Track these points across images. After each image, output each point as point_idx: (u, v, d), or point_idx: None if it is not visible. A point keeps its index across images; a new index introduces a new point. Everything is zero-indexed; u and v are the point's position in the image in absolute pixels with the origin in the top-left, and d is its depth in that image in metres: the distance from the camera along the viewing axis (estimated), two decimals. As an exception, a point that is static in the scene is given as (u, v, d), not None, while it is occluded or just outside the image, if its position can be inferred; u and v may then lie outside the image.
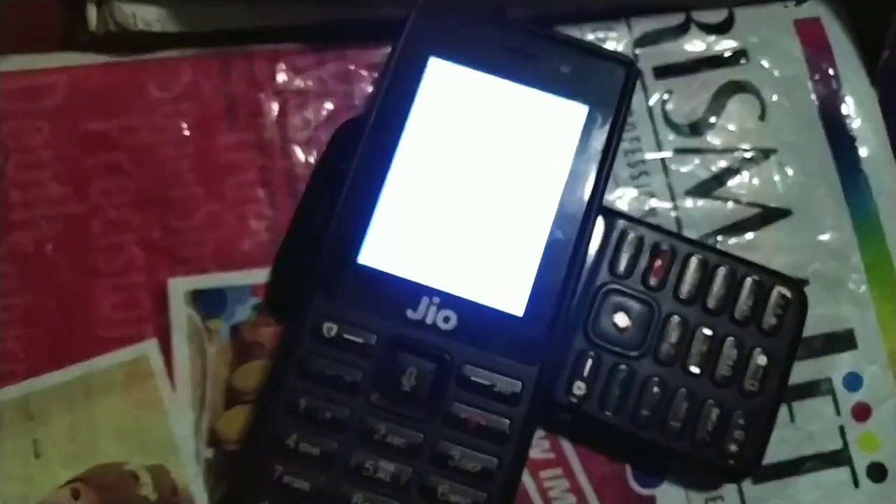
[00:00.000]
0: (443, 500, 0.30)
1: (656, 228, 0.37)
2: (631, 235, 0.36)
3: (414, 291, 0.31)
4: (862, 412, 0.40)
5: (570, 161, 0.33)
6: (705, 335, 0.36)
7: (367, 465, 0.30)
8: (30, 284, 0.37)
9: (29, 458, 0.36)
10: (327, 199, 0.35)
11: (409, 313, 0.31)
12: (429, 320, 0.31)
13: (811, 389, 0.40)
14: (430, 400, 0.31)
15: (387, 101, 0.33)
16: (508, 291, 0.32)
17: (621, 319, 0.36)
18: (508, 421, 0.31)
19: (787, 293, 0.36)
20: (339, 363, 0.31)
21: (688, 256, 0.36)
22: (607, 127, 0.33)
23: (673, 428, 0.35)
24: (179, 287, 0.38)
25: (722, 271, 0.36)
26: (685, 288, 0.36)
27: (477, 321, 0.31)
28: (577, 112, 0.33)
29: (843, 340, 0.40)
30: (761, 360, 0.36)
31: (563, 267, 0.32)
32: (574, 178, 0.33)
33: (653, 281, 0.36)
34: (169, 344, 0.37)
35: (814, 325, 0.39)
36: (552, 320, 0.32)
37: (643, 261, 0.36)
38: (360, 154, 0.32)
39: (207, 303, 0.38)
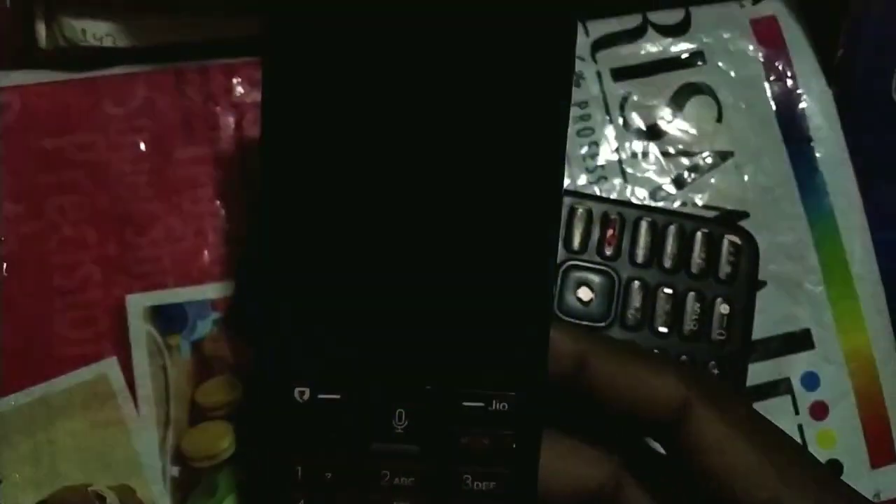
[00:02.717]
0: None
1: (602, 199, 0.38)
2: (580, 210, 0.37)
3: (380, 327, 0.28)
4: (820, 411, 0.40)
5: (526, 140, 0.27)
6: (667, 294, 0.37)
7: None
8: (-15, 305, 0.37)
9: (-10, 484, 0.36)
10: None
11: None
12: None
13: (771, 389, 0.40)
14: (427, 434, 0.29)
15: (276, 105, 0.28)
16: (485, 299, 0.28)
17: (584, 293, 0.37)
18: (512, 433, 0.29)
19: (737, 240, 0.37)
20: (322, 424, 0.28)
21: (637, 221, 0.37)
22: (557, 98, 0.27)
23: None
24: (138, 303, 0.37)
25: (672, 230, 0.37)
26: (640, 252, 0.37)
27: (457, 342, 0.29)
28: (515, 87, 0.27)
29: (800, 340, 0.41)
30: (724, 308, 0.37)
31: (540, 264, 0.28)
32: (533, 161, 0.27)
33: (608, 251, 0.37)
34: (129, 362, 0.37)
35: (771, 326, 0.40)
36: (536, 321, 0.29)
37: (595, 233, 0.37)
38: (267, 189, 0.28)
39: (166, 318, 0.37)
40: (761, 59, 0.43)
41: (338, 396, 0.28)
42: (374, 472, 0.29)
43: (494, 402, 0.28)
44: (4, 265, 0.37)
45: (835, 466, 0.40)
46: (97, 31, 0.37)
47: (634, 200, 0.40)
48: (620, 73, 0.42)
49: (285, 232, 0.28)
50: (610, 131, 0.41)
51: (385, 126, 0.27)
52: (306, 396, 0.28)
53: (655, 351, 0.36)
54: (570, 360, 0.30)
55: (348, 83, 0.27)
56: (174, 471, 0.37)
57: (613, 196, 0.40)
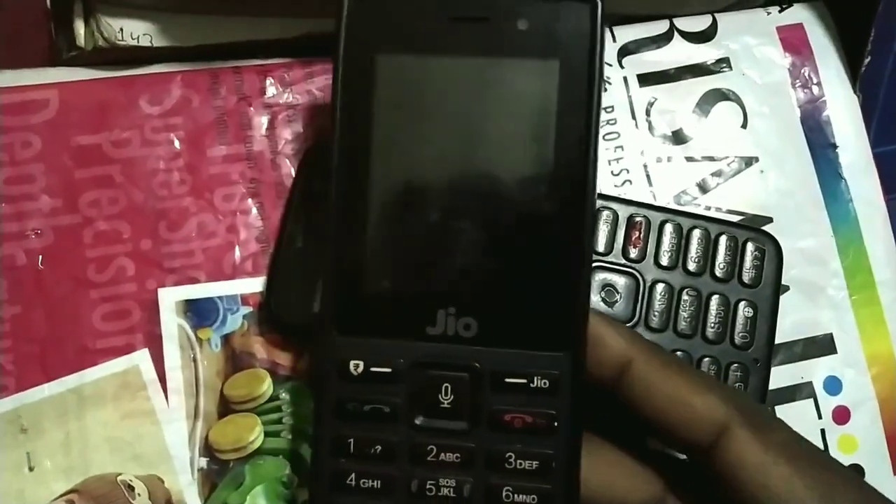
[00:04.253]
0: (509, 502, 0.30)
1: (627, 202, 0.38)
2: (605, 212, 0.38)
3: (428, 307, 0.30)
4: (842, 415, 0.40)
5: (555, 129, 0.30)
6: (691, 297, 0.37)
7: (429, 485, 0.30)
8: (20, 297, 0.38)
9: (23, 471, 0.36)
10: (305, 222, 0.37)
11: (429, 329, 0.30)
12: (450, 332, 0.30)
13: (793, 393, 0.40)
14: (471, 410, 0.30)
15: (344, 116, 0.30)
16: (524, 284, 0.30)
17: (609, 295, 0.37)
18: (554, 412, 0.29)
19: (762, 244, 0.38)
20: (374, 397, 0.30)
21: (662, 224, 0.38)
22: (586, 80, 0.30)
23: None
24: (170, 297, 0.38)
25: (696, 233, 0.38)
26: (664, 255, 0.38)
27: (498, 321, 0.30)
28: (548, 70, 0.30)
29: (822, 345, 0.41)
30: (747, 311, 0.37)
31: (572, 245, 0.30)
32: (566, 147, 0.30)
33: (633, 253, 0.37)
34: (160, 354, 0.38)
35: (794, 331, 0.40)
36: (575, 301, 0.30)
37: (620, 235, 0.38)
38: (335, 181, 0.30)
39: (198, 312, 0.38)
40: (787, 66, 0.43)
41: (389, 370, 0.30)
42: (422, 447, 0.30)
43: (536, 378, 0.30)
44: (41, 257, 0.38)
45: (856, 471, 0.40)
46: (135, 31, 0.38)
47: (659, 204, 0.41)
48: (646, 79, 0.42)
49: (348, 211, 0.30)
50: (635, 135, 0.42)
51: (445, 114, 0.30)
52: (360, 369, 0.30)
53: (678, 353, 0.37)
54: (615, 361, 0.30)
55: (408, 87, 0.30)
56: (202, 462, 0.37)
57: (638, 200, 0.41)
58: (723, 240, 0.38)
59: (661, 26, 0.43)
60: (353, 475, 0.30)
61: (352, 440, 0.30)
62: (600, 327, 0.30)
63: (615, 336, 0.30)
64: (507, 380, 0.30)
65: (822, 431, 0.40)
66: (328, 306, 0.30)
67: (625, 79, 0.42)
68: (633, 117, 0.42)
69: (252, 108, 0.40)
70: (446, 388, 0.30)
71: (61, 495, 0.36)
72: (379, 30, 0.30)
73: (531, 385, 0.30)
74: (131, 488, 0.36)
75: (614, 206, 0.38)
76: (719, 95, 0.42)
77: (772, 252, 0.38)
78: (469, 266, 0.30)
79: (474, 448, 0.30)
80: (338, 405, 0.30)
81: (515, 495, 0.29)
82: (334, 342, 0.30)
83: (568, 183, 0.30)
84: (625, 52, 0.42)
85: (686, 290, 0.37)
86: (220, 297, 0.38)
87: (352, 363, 0.30)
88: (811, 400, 0.40)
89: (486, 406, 0.30)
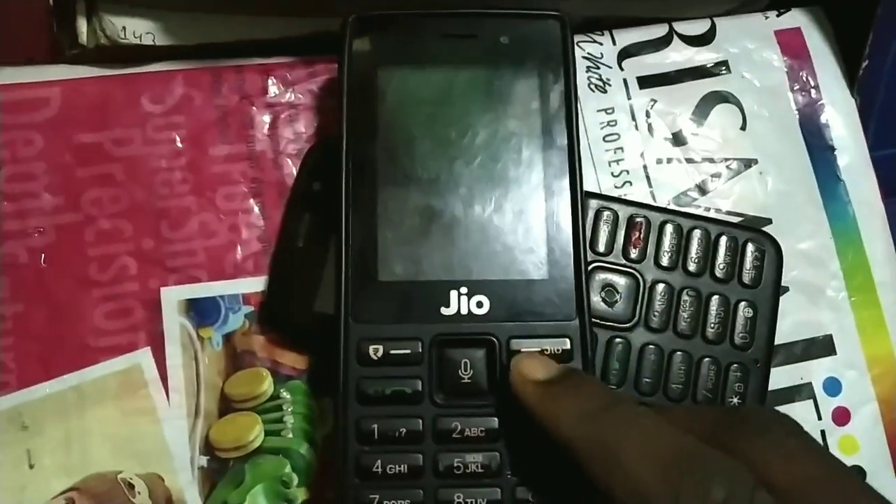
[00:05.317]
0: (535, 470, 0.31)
1: (628, 202, 0.38)
2: (605, 213, 0.38)
3: (441, 289, 0.32)
4: (842, 416, 0.40)
5: (540, 124, 0.34)
6: (691, 297, 0.37)
7: (457, 463, 0.30)
8: (22, 295, 0.38)
9: (23, 468, 0.36)
10: (306, 221, 0.37)
11: (444, 310, 0.32)
12: (463, 311, 0.32)
13: (793, 394, 0.40)
14: (491, 383, 0.31)
15: (351, 123, 0.33)
16: (527, 260, 0.33)
17: (609, 294, 0.37)
18: None
19: (762, 245, 0.38)
20: (395, 379, 0.31)
21: (662, 224, 0.38)
22: (562, 80, 0.34)
23: (675, 390, 0.37)
24: (172, 296, 0.38)
25: (697, 234, 0.38)
26: (665, 255, 0.38)
27: (508, 296, 0.32)
28: (529, 76, 0.34)
29: (822, 346, 0.41)
30: (747, 312, 0.37)
31: (568, 220, 0.33)
32: (550, 137, 0.34)
33: (633, 253, 0.38)
34: (162, 353, 0.38)
35: (794, 332, 0.41)
36: (577, 271, 0.32)
37: (621, 235, 0.38)
38: (345, 180, 0.33)
39: (200, 311, 0.38)
40: (785, 69, 0.43)
41: (408, 351, 0.31)
42: (446, 424, 0.31)
43: (550, 345, 0.31)
44: (43, 255, 0.38)
45: (857, 473, 0.40)
46: (137, 29, 0.38)
47: (659, 205, 0.41)
48: (646, 81, 0.42)
49: (359, 205, 0.33)
50: (635, 137, 0.42)
51: (442, 117, 0.34)
52: (380, 353, 0.31)
53: (678, 353, 0.37)
54: None
55: (406, 85, 0.34)
56: (202, 460, 0.37)
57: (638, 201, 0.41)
58: (723, 240, 0.38)
59: (660, 30, 0.43)
60: (379, 461, 0.30)
61: (376, 426, 0.31)
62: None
63: None
64: (524, 349, 0.31)
65: (823, 433, 0.40)
66: (343, 295, 0.32)
67: (625, 81, 0.42)
68: (633, 119, 0.42)
69: (254, 108, 0.40)
70: (465, 363, 0.32)
71: (61, 493, 0.36)
72: (380, 46, 0.34)
73: (546, 352, 0.31)
74: (131, 486, 0.36)
75: (614, 206, 0.38)
76: (718, 98, 0.42)
77: (772, 253, 0.38)
78: (477, 247, 0.33)
79: (498, 421, 0.31)
80: (359, 391, 0.31)
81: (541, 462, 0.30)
82: (352, 330, 0.31)
83: (556, 164, 0.33)
84: (625, 54, 0.43)
85: (686, 291, 0.37)
86: (221, 297, 0.38)
87: (371, 348, 0.31)
88: (811, 401, 0.40)
89: (505, 378, 0.31)
